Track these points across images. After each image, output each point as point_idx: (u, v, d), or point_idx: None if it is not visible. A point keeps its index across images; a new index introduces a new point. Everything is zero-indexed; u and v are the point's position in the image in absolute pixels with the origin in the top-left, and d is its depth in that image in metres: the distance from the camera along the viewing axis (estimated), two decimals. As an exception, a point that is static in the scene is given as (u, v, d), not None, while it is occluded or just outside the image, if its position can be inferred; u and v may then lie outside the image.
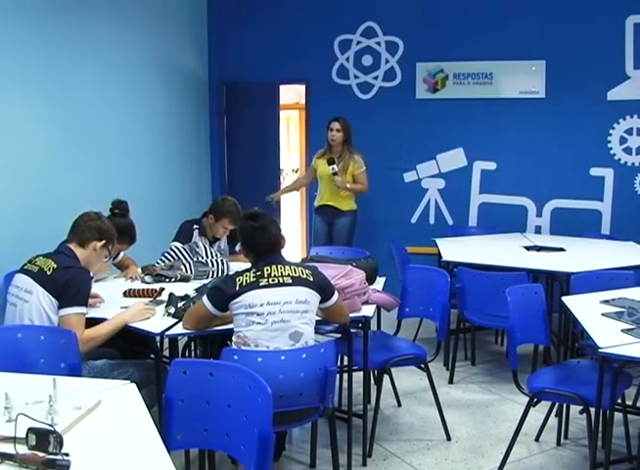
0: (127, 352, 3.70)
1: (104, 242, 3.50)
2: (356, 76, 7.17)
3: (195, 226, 4.89)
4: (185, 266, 4.38)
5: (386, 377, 4.32)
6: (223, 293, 3.14)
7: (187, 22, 7.01)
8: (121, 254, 4.51)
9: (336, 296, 3.36)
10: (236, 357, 2.91)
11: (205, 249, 4.58)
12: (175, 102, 6.69)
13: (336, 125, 6.31)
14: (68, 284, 3.22)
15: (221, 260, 4.50)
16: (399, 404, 4.65)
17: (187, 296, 3.70)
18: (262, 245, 3.22)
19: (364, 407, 3.89)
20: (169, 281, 4.26)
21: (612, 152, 6.60)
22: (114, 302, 3.74)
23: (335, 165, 6.23)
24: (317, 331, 3.31)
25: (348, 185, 6.31)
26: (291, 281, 3.15)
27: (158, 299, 3.82)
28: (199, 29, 7.26)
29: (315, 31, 7.14)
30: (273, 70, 7.22)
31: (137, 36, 5.92)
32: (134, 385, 2.52)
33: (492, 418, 4.44)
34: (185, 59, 6.93)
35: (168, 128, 6.54)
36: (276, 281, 3.13)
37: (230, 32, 7.31)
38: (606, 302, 3.76)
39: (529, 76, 6.72)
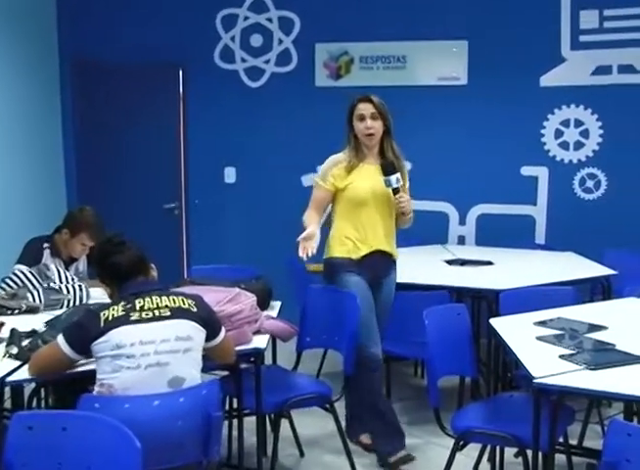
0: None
1: None
2: (244, 60, 7.18)
3: (45, 244, 4.80)
4: (32, 294, 4.28)
5: (284, 422, 4.33)
6: (86, 331, 3.03)
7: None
8: (-50, 281, 4.37)
9: (223, 333, 3.33)
10: (97, 406, 2.84)
11: (59, 272, 4.49)
12: (14, 84, 6.50)
13: (369, 108, 4.47)
14: None
15: (79, 286, 4.42)
16: (302, 454, 4.65)
17: (34, 331, 3.60)
18: (122, 266, 3.17)
19: (259, 460, 3.88)
20: (12, 313, 4.13)
21: (546, 148, 6.77)
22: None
23: (398, 175, 4.41)
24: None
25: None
26: (169, 313, 3.09)
27: (-4, 336, 3.70)
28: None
29: (193, 4, 7.13)
30: (140, 49, 7.11)
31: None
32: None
33: (414, 466, 4.47)
34: (21, 27, 6.70)
35: (8, 118, 6.37)
36: (151, 315, 3.06)
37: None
38: (541, 323, 3.85)
39: (449, 60, 6.86)
